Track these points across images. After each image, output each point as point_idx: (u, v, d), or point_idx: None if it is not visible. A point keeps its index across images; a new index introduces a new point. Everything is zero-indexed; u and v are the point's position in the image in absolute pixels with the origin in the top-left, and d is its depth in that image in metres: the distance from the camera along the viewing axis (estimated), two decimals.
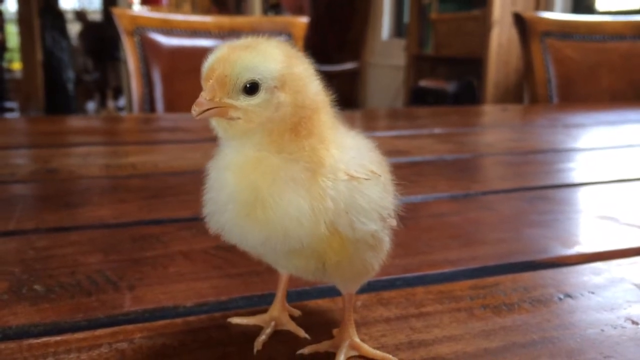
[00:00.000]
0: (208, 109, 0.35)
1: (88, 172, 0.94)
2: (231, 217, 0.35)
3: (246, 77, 0.35)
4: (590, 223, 0.73)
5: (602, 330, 0.44)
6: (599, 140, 1.35)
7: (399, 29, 5.28)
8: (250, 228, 0.35)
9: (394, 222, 0.39)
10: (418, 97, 4.34)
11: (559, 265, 0.58)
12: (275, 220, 0.34)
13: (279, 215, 0.34)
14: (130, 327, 0.44)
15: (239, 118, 0.35)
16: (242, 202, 0.34)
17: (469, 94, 3.91)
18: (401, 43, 4.87)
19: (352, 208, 0.35)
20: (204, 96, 0.35)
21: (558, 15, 2.92)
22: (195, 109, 0.35)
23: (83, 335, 0.42)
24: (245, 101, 0.35)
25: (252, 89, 0.35)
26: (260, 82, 0.35)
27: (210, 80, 0.35)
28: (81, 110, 6.54)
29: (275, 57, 0.35)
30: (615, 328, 0.45)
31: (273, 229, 0.34)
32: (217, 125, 0.36)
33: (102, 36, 6.75)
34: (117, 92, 6.94)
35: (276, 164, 0.35)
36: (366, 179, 0.36)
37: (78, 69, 6.77)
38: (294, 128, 0.35)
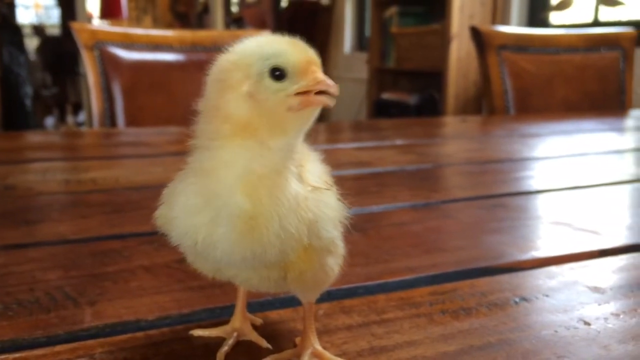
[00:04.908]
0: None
1: (47, 188, 0.92)
2: (227, 232, 0.34)
3: None
4: (545, 229, 0.75)
5: (556, 331, 0.46)
6: (554, 150, 1.39)
7: (360, 43, 5.34)
8: (248, 243, 0.34)
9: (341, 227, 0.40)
10: (381, 110, 4.38)
11: (515, 270, 0.60)
12: (272, 236, 0.34)
13: (275, 231, 0.34)
14: (90, 342, 0.43)
15: None
16: (244, 216, 0.34)
17: (430, 106, 3.97)
18: (363, 56, 4.93)
19: (319, 217, 0.36)
20: (328, 78, 0.35)
21: (514, 28, 3.01)
22: (333, 92, 0.34)
23: (42, 351, 0.42)
24: None
25: None
26: None
27: (314, 66, 0.35)
28: (40, 126, 6.39)
29: None
30: (568, 329, 0.46)
31: (269, 244, 0.34)
32: (312, 112, 0.36)
33: (60, 51, 6.63)
34: (77, 108, 6.81)
35: (278, 176, 0.35)
36: (326, 189, 0.37)
37: (36, 84, 6.62)
38: None
